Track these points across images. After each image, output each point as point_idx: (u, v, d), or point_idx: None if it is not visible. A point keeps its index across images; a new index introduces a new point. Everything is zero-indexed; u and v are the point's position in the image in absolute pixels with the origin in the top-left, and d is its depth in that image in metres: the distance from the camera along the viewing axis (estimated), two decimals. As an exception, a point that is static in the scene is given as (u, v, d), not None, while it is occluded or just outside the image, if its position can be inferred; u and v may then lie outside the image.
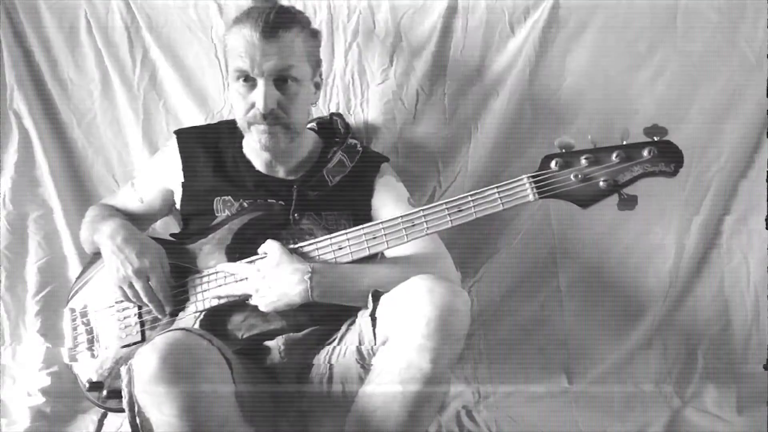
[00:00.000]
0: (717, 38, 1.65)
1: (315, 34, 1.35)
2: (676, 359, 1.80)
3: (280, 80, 1.28)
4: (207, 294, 1.31)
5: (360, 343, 1.20)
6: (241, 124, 1.33)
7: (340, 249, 1.24)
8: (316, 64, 1.36)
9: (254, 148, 1.38)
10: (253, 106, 1.28)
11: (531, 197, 1.16)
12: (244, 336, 1.31)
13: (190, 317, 1.31)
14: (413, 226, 1.20)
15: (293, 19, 1.29)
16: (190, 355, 1.03)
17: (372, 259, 1.28)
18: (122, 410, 1.15)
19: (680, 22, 1.65)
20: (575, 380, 1.79)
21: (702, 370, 1.78)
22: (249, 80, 1.27)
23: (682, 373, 1.79)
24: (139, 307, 1.36)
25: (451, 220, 1.19)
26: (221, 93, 1.71)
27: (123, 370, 1.08)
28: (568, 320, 1.80)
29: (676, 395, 1.76)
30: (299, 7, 1.66)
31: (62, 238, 1.76)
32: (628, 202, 1.14)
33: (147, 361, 1.01)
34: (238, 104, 1.30)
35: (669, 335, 1.79)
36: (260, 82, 1.26)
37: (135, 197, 1.52)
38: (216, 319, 1.32)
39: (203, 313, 1.31)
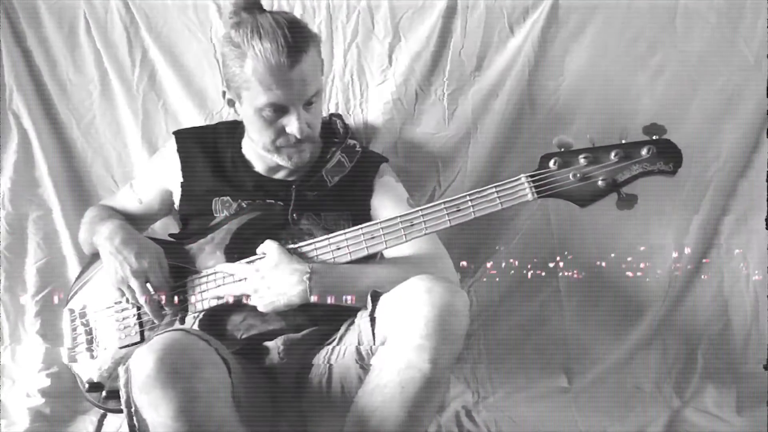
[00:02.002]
0: (716, 38, 1.65)
1: (317, 40, 1.31)
2: (676, 359, 1.80)
3: (307, 103, 1.28)
4: (206, 294, 1.31)
5: (359, 344, 1.20)
6: (267, 148, 1.32)
7: (339, 249, 1.24)
8: (322, 67, 1.35)
9: (255, 151, 1.38)
10: (282, 131, 1.28)
11: (530, 196, 1.16)
12: (243, 336, 1.31)
13: (189, 318, 1.31)
14: (412, 225, 1.20)
15: (306, 32, 1.25)
16: (187, 356, 1.03)
17: (371, 259, 1.28)
18: (121, 411, 1.15)
19: (679, 23, 1.65)
20: (575, 380, 1.79)
21: (701, 370, 1.79)
22: (277, 108, 1.26)
23: (681, 373, 1.79)
24: (138, 308, 1.35)
25: (449, 220, 1.18)
26: (220, 94, 1.71)
27: (121, 370, 1.08)
28: (568, 320, 1.80)
29: (676, 395, 1.76)
30: (299, 8, 1.67)
31: (61, 238, 1.75)
32: (627, 201, 1.14)
33: (144, 362, 1.00)
34: (266, 131, 1.29)
35: (668, 335, 1.80)
36: (293, 111, 1.26)
37: (134, 198, 1.52)
38: (215, 320, 1.32)
39: (202, 313, 1.31)
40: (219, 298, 1.29)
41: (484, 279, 1.77)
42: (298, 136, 1.27)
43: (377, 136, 1.71)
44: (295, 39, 1.20)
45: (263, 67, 1.20)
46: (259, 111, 1.26)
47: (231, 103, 1.34)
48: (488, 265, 1.77)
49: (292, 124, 1.26)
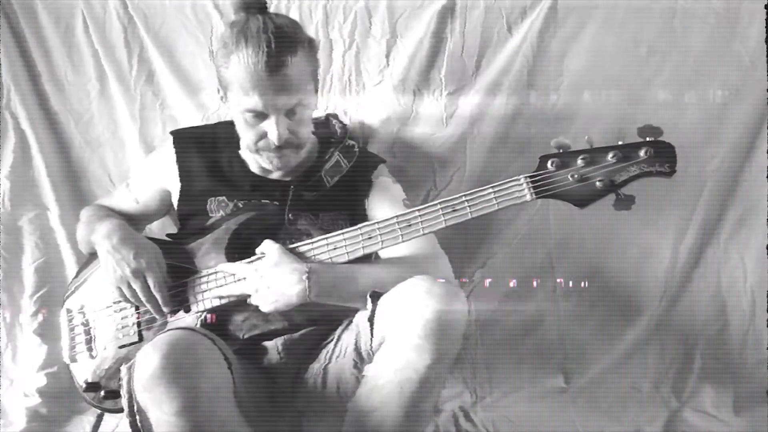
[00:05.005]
0: (714, 39, 1.66)
1: (313, 45, 1.30)
2: (674, 359, 1.80)
3: (290, 111, 1.27)
4: (208, 294, 1.31)
5: (357, 344, 1.20)
6: (250, 148, 1.32)
7: (336, 249, 1.23)
8: (316, 73, 1.33)
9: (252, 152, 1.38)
10: (264, 135, 1.28)
11: (528, 197, 1.16)
12: (245, 336, 1.31)
13: (191, 317, 1.31)
14: (409, 226, 1.20)
15: (293, 39, 1.23)
16: (191, 355, 1.03)
17: (369, 259, 1.28)
18: (119, 411, 1.15)
19: (677, 24, 1.65)
20: (572, 380, 1.79)
21: (699, 370, 1.79)
22: (257, 113, 1.25)
23: (679, 374, 1.79)
24: (137, 308, 1.35)
25: (445, 220, 1.18)
26: (218, 94, 1.71)
27: (123, 368, 1.08)
28: (566, 321, 1.80)
29: (674, 395, 1.76)
30: (295, 8, 1.67)
31: (59, 238, 1.75)
32: (625, 202, 1.14)
33: (148, 360, 1.01)
34: (247, 133, 1.29)
35: (666, 335, 1.80)
36: (272, 117, 1.25)
37: (130, 198, 1.51)
38: (217, 319, 1.31)
39: (204, 313, 1.31)
40: (220, 297, 1.29)
41: (483, 279, 1.77)
42: (276, 143, 1.27)
43: (374, 137, 1.71)
44: (280, 46, 1.18)
45: (243, 72, 1.20)
46: (240, 113, 1.26)
47: (223, 99, 1.33)
48: (486, 266, 1.77)
49: (271, 131, 1.26)
